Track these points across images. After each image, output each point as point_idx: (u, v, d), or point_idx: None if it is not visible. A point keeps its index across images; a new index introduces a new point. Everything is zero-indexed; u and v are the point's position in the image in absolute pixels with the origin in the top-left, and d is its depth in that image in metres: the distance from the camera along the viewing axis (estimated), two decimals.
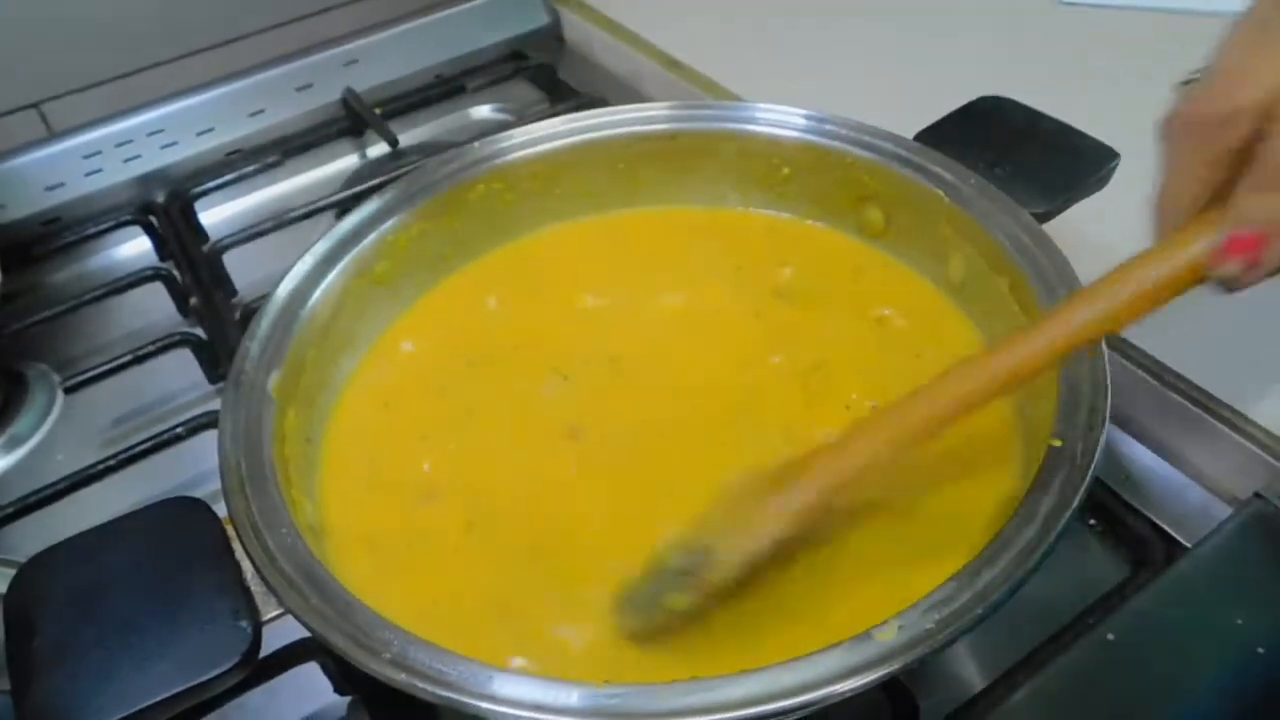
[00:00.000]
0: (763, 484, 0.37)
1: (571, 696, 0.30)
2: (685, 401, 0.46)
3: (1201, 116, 0.32)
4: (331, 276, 0.46)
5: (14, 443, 0.58)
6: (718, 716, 0.29)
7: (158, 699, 0.31)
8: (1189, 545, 0.46)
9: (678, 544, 0.37)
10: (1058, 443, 0.35)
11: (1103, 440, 0.34)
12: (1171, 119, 0.33)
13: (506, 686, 0.30)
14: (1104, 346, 0.38)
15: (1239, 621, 0.41)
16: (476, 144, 0.52)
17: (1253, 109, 0.31)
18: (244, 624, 0.33)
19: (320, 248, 0.47)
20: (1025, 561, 0.31)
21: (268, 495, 0.36)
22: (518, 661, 0.36)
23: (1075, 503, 0.32)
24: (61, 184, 0.72)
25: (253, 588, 0.34)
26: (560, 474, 0.43)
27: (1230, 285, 0.33)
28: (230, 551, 0.35)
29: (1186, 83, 0.35)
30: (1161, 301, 0.34)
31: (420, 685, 0.30)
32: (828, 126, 0.50)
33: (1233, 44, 0.33)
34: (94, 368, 0.58)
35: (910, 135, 0.50)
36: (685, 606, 0.36)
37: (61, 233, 0.71)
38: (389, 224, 0.49)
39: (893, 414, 0.36)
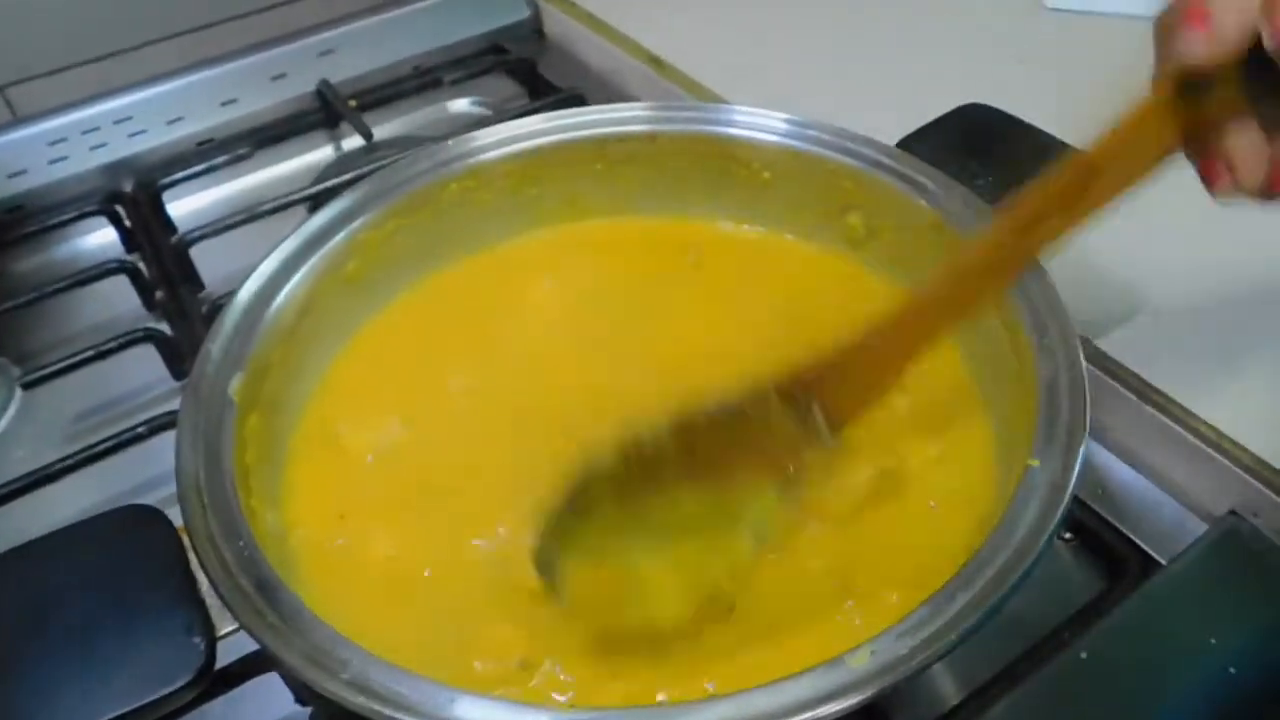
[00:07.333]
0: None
1: None
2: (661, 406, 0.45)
3: None
4: (299, 276, 0.45)
5: None
6: None
7: (107, 718, 0.30)
8: (1164, 561, 0.45)
9: None
10: (1035, 462, 0.34)
11: (1081, 462, 0.34)
12: None
13: (468, 709, 0.29)
14: (1082, 358, 0.37)
15: (1212, 641, 0.41)
16: (450, 141, 0.51)
17: None
18: (198, 640, 0.32)
19: (288, 246, 0.46)
20: (1000, 586, 0.30)
21: (226, 506, 0.35)
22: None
23: (1052, 527, 0.32)
24: (24, 171, 0.71)
25: (208, 601, 0.33)
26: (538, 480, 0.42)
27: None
28: (186, 563, 0.34)
29: None
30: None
31: (378, 709, 0.29)
32: (810, 132, 0.50)
33: None
34: (54, 363, 0.57)
35: (893, 141, 0.50)
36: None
37: (24, 221, 0.69)
38: (360, 221, 0.48)
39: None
